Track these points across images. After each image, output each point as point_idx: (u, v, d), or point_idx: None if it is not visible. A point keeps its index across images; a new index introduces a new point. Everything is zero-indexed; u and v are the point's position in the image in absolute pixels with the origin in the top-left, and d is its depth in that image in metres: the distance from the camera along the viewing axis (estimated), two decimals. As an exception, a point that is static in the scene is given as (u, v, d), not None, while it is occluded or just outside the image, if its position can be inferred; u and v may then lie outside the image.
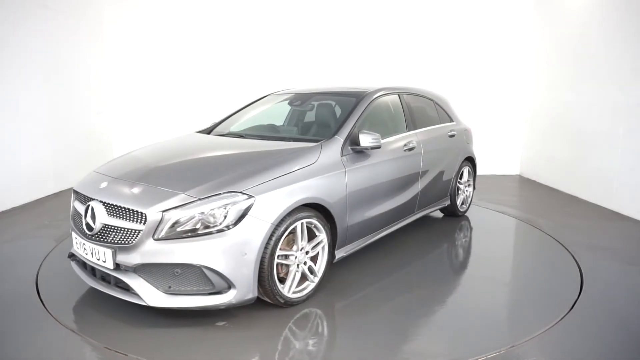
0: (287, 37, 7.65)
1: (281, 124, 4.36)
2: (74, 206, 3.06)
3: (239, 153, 3.31)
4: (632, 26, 5.28)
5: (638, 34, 5.19)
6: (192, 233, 2.53)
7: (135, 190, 2.75)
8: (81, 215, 2.87)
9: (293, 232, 2.88)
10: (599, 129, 5.87)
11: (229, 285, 2.59)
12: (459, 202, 5.06)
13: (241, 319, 2.84)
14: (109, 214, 2.71)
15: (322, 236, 3.06)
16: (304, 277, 3.03)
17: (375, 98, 3.90)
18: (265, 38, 7.63)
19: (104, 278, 2.80)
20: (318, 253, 3.10)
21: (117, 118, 7.67)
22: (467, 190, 5.22)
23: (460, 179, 5.05)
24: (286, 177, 2.85)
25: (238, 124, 4.24)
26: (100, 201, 2.76)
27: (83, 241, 2.81)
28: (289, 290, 2.89)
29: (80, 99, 6.75)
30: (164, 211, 2.54)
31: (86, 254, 2.81)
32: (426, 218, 5.01)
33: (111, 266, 2.63)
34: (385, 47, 7.72)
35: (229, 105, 7.41)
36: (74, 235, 2.96)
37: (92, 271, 2.90)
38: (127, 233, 2.61)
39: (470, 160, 5.25)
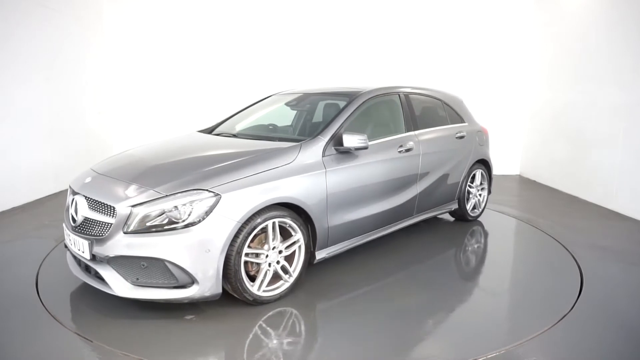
0: (290, 36, 7.64)
1: (285, 124, 4.35)
2: (67, 200, 3.23)
3: (219, 152, 3.33)
4: (633, 26, 5.28)
5: (638, 34, 5.19)
6: (159, 228, 2.62)
7: (113, 185, 2.90)
8: (69, 208, 3.06)
9: (265, 230, 2.91)
10: (599, 129, 5.87)
11: (192, 280, 2.65)
12: (469, 206, 4.87)
13: (211, 313, 2.88)
14: (89, 208, 2.86)
15: (298, 236, 3.07)
16: (279, 276, 3.04)
17: (370, 99, 3.85)
18: (266, 37, 7.63)
19: (87, 268, 2.92)
20: (295, 252, 3.11)
21: (117, 118, 7.67)
22: (479, 195, 5.01)
23: (472, 182, 4.88)
24: (257, 177, 2.87)
25: (240, 124, 4.25)
26: (83, 195, 2.94)
27: (69, 232, 2.96)
28: (259, 288, 2.92)
29: (80, 99, 6.74)
30: (132, 206, 2.66)
31: (71, 245, 2.95)
32: (434, 221, 4.97)
33: (88, 256, 2.76)
34: (387, 47, 7.72)
35: (229, 105, 7.40)
36: (63, 226, 3.12)
37: (79, 262, 3.04)
38: (101, 226, 2.75)
39: (485, 163, 5.05)
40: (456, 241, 4.44)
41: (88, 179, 3.09)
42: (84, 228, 2.84)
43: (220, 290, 2.74)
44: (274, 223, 2.91)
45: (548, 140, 7.16)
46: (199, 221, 2.62)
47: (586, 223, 5.07)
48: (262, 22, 7.58)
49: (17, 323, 2.77)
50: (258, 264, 2.93)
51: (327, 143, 3.33)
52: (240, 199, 2.74)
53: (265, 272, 2.95)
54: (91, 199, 2.87)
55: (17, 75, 5.40)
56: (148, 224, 2.62)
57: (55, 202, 5.61)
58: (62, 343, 2.57)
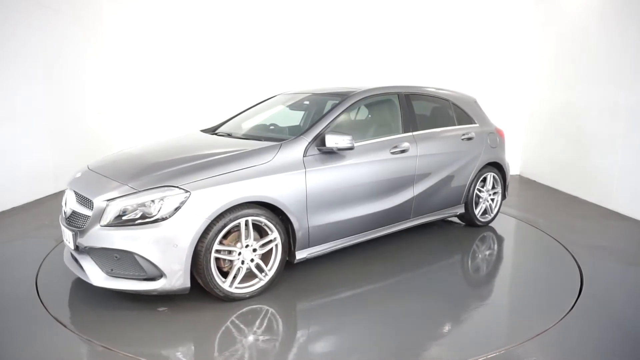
0: (294, 34, 7.63)
1: (291, 124, 4.29)
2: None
3: (202, 152, 3.33)
4: (633, 26, 5.28)
5: (638, 34, 5.19)
6: (132, 222, 2.74)
7: (96, 181, 3.06)
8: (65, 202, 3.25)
9: (240, 228, 2.96)
10: (599, 129, 5.87)
11: (161, 274, 2.74)
12: (478, 211, 4.68)
13: (184, 306, 2.95)
14: (77, 202, 3.05)
15: (275, 235, 3.10)
16: (254, 274, 3.09)
17: (362, 99, 3.81)
18: (267, 36, 7.62)
19: (76, 260, 3.04)
20: (272, 251, 3.14)
21: (117, 118, 7.66)
22: (491, 199, 4.80)
23: (482, 186, 4.70)
24: (230, 175, 2.92)
25: (241, 124, 4.25)
26: (73, 190, 3.14)
27: (61, 224, 3.13)
28: (230, 284, 2.97)
29: (81, 99, 6.74)
30: (108, 200, 2.80)
31: (63, 236, 3.12)
32: (442, 225, 4.85)
33: (72, 247, 2.93)
34: (388, 47, 7.72)
35: (230, 105, 7.39)
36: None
37: (72, 254, 3.17)
38: (83, 218, 2.92)
39: (498, 167, 4.81)
40: (460, 246, 4.41)
41: (78, 174, 3.30)
42: (71, 220, 3.02)
43: (188, 285, 2.81)
44: (247, 221, 2.96)
45: (548, 140, 7.16)
46: (169, 217, 2.71)
47: (586, 223, 5.07)
48: (262, 21, 7.58)
49: (17, 323, 2.77)
50: (231, 261, 2.98)
51: (310, 143, 3.32)
52: (210, 197, 2.80)
53: (238, 269, 3.00)
54: (78, 193, 3.06)
55: (17, 75, 5.39)
56: (124, 218, 2.74)
57: (55, 202, 5.60)
58: (62, 343, 2.57)
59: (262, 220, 3.02)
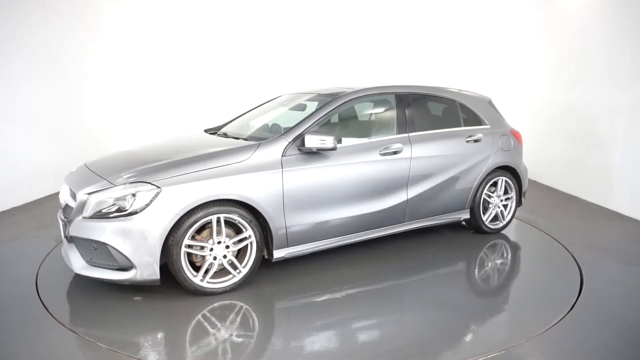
0: (295, 33, 7.63)
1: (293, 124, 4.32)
2: None
3: (187, 151, 3.33)
4: (633, 26, 5.28)
5: (638, 34, 5.19)
6: (108, 215, 2.89)
7: (85, 176, 3.23)
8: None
9: (217, 224, 3.05)
10: (599, 129, 5.87)
11: (132, 265, 2.87)
12: (487, 217, 4.44)
13: (159, 297, 3.07)
14: (69, 195, 3.24)
15: (249, 233, 3.14)
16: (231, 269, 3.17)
17: (353, 99, 3.76)
18: (268, 36, 7.62)
19: None
20: (247, 249, 3.20)
21: (117, 118, 7.66)
22: (502, 205, 4.53)
23: (492, 191, 4.48)
24: (202, 173, 3.00)
25: (244, 124, 4.25)
26: (67, 184, 3.35)
27: (58, 216, 3.33)
28: (202, 279, 3.05)
29: (81, 99, 6.74)
30: (88, 193, 2.98)
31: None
32: (450, 229, 4.65)
33: (62, 235, 3.15)
34: (390, 47, 7.72)
35: (230, 104, 7.40)
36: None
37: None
38: (70, 210, 3.10)
39: (512, 171, 4.56)
40: (459, 244, 4.38)
41: (74, 169, 3.51)
42: (64, 212, 3.24)
43: (157, 277, 2.92)
44: (218, 218, 3.02)
45: (548, 140, 7.15)
46: (140, 211, 2.85)
47: (586, 223, 5.07)
48: (263, 20, 7.57)
49: (17, 323, 2.77)
50: (204, 256, 3.07)
51: (291, 143, 3.33)
52: (181, 193, 2.90)
53: (210, 265, 3.07)
54: (69, 187, 3.27)
55: (17, 75, 5.39)
56: (103, 210, 2.89)
57: (55, 202, 5.60)
58: (62, 343, 2.57)
59: (236, 218, 3.08)
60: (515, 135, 4.70)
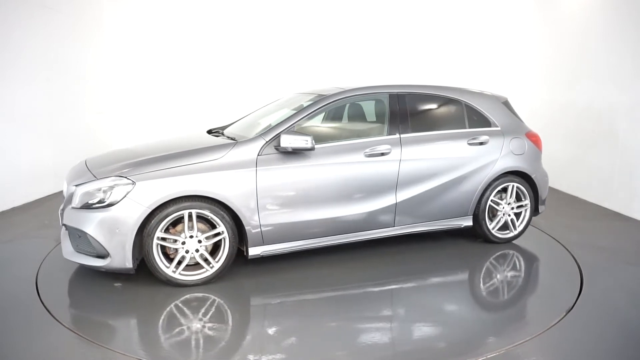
0: (295, 33, 7.63)
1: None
2: None
3: (173, 149, 3.43)
4: (633, 26, 5.28)
5: (638, 34, 5.19)
6: (91, 206, 3.09)
7: (80, 171, 3.44)
8: None
9: (190, 218, 3.18)
10: (599, 129, 5.87)
11: (107, 253, 3.06)
12: (494, 225, 4.18)
13: (139, 285, 3.24)
14: (67, 187, 3.42)
15: (222, 229, 3.24)
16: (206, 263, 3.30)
17: (339, 100, 3.71)
18: (268, 36, 7.62)
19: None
20: (221, 244, 3.29)
21: (117, 118, 7.66)
22: (515, 213, 4.24)
23: (501, 197, 4.20)
24: (175, 169, 3.15)
25: (246, 125, 4.24)
26: (65, 177, 3.56)
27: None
28: (174, 270, 3.19)
29: (81, 99, 6.74)
30: (76, 185, 3.21)
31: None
32: (447, 235, 4.45)
33: (60, 223, 3.32)
34: (389, 46, 7.72)
35: (230, 104, 7.40)
36: None
37: None
38: (64, 201, 3.32)
39: (524, 176, 4.22)
40: (458, 242, 4.39)
41: (74, 165, 3.72)
42: (65, 202, 3.37)
43: (130, 266, 3.09)
44: (190, 213, 3.14)
45: (547, 140, 7.10)
46: (116, 203, 3.03)
47: (586, 223, 5.07)
48: (263, 20, 7.57)
49: (17, 323, 2.77)
50: (177, 249, 3.20)
51: (268, 142, 3.37)
52: (153, 188, 3.06)
53: (182, 257, 3.20)
54: (66, 179, 3.50)
55: (18, 75, 5.39)
56: (90, 202, 3.09)
57: (55, 202, 5.60)
58: (62, 343, 2.57)
59: (208, 214, 3.17)
60: (532, 139, 4.33)
